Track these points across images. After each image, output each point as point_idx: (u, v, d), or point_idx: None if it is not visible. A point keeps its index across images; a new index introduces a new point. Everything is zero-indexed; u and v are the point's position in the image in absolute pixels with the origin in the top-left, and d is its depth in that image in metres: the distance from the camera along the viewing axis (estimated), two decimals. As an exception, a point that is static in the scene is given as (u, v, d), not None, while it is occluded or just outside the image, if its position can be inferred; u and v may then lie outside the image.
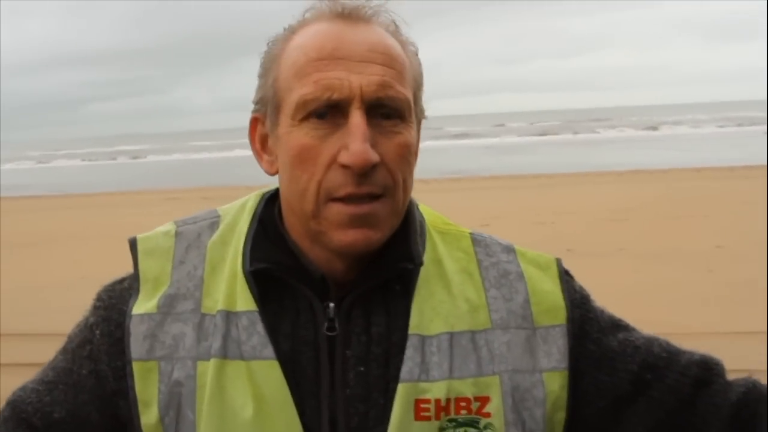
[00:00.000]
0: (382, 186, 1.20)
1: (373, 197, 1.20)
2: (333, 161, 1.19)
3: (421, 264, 1.29)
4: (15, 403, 1.32)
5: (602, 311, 1.41)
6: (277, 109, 1.24)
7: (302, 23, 1.28)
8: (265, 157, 1.31)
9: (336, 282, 1.27)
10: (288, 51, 1.25)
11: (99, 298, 1.35)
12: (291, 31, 1.28)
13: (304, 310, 1.26)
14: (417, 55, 1.31)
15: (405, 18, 1.30)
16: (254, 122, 1.32)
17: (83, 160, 59.47)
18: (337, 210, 1.20)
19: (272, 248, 1.29)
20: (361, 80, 1.19)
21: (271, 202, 1.36)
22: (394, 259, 1.27)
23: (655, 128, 58.30)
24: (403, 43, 1.28)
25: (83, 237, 15.36)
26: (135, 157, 58.32)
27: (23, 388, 1.34)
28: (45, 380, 1.33)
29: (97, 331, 1.31)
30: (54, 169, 48.91)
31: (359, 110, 1.18)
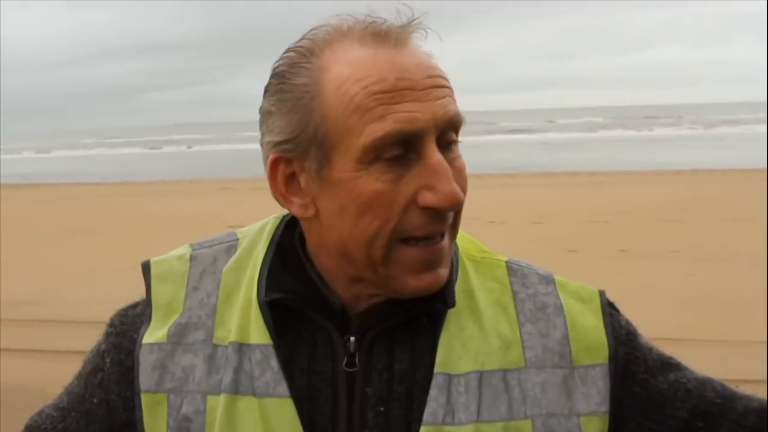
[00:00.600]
0: (451, 223, 1.14)
1: (441, 234, 1.13)
2: (410, 204, 1.09)
3: (453, 305, 1.19)
4: (31, 429, 1.30)
5: (650, 349, 1.28)
6: (330, 150, 1.10)
7: (327, 43, 1.14)
8: (295, 200, 1.16)
9: (358, 314, 1.19)
10: (333, 82, 1.10)
11: (111, 324, 1.29)
12: (314, 54, 1.14)
13: (322, 343, 1.18)
14: None
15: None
16: (275, 163, 1.16)
17: (141, 148, 60.25)
18: (410, 255, 1.11)
19: (290, 276, 1.20)
20: (431, 109, 1.08)
21: (291, 225, 1.26)
22: (426, 297, 1.16)
23: (713, 127, 57.37)
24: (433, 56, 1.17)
25: (137, 225, 15.55)
26: (190, 147, 58.94)
27: (40, 413, 1.31)
28: (60, 406, 1.29)
29: (108, 359, 1.25)
30: (110, 157, 49.60)
31: (433, 144, 1.09)
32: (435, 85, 1.11)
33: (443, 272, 1.15)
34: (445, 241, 1.14)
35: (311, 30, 1.16)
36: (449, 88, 1.13)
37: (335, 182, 1.11)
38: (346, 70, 1.10)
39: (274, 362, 1.15)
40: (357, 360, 1.16)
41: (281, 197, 1.18)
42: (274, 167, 1.17)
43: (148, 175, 29.82)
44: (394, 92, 1.08)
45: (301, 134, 1.12)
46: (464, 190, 1.12)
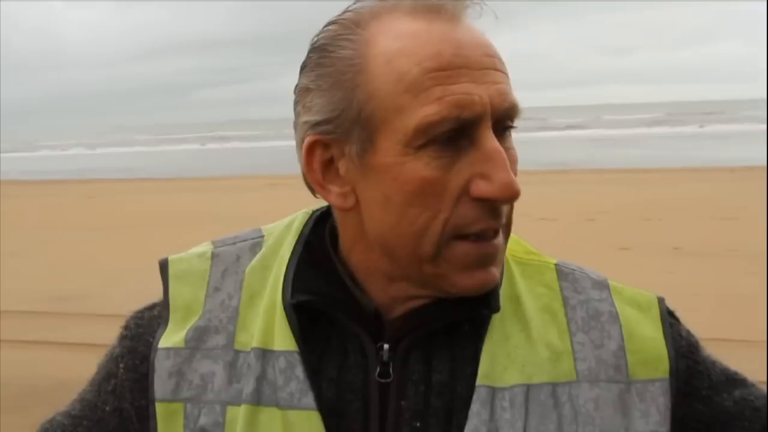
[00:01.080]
0: (507, 215, 1.03)
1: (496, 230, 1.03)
2: (462, 194, 0.98)
3: (498, 310, 1.07)
4: None
5: (714, 362, 1.16)
6: (375, 131, 0.99)
7: (374, 15, 1.03)
8: (333, 188, 1.06)
9: (393, 319, 1.08)
10: (381, 56, 1.00)
11: (126, 326, 1.19)
12: (360, 25, 1.03)
13: (353, 351, 1.07)
14: None
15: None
16: (312, 146, 1.05)
17: (192, 144, 60.90)
18: (465, 250, 1.00)
19: (319, 277, 1.09)
20: (489, 92, 0.98)
21: (321, 221, 1.16)
22: (468, 300, 1.05)
23: (770, 123, 56.33)
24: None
25: (187, 221, 15.66)
26: (241, 143, 59.39)
27: (51, 421, 1.20)
28: (72, 413, 1.19)
29: (122, 365, 1.15)
30: (162, 153, 50.17)
31: (490, 129, 0.98)
32: (493, 66, 1.00)
33: (496, 272, 1.04)
34: (500, 238, 1.03)
35: (355, 2, 1.05)
36: (505, 73, 1.02)
37: (379, 168, 1.00)
38: (396, 43, 0.99)
39: (299, 371, 1.05)
40: (391, 370, 1.06)
41: (317, 185, 1.07)
42: (310, 151, 1.06)
43: (198, 172, 30.09)
44: (451, 70, 0.97)
45: (342, 113, 1.01)
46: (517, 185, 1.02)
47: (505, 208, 1.02)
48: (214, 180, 25.84)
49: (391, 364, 1.06)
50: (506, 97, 1.00)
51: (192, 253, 1.20)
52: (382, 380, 1.06)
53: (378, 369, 1.06)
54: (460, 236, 1.00)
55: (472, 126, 0.98)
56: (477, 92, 0.97)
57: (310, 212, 1.19)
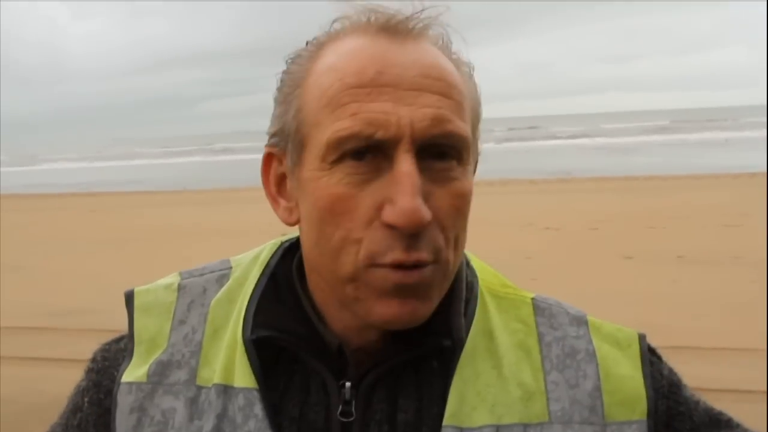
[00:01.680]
0: (432, 250, 0.95)
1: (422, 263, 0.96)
2: (374, 217, 0.94)
3: (460, 341, 1.03)
4: None
5: (697, 402, 1.11)
6: (301, 146, 0.99)
7: (333, 36, 1.01)
8: (282, 202, 1.06)
9: (357, 355, 1.04)
10: (316, 74, 0.99)
11: (93, 359, 1.16)
12: (318, 47, 1.02)
13: (315, 388, 1.03)
14: (473, 77, 1.05)
15: (457, 26, 1.03)
16: (268, 159, 1.06)
17: (197, 156, 61.01)
18: (383, 276, 0.94)
19: (281, 311, 1.06)
20: (411, 114, 0.93)
21: (289, 253, 1.13)
22: (428, 331, 1.01)
23: (774, 129, 56.25)
24: (457, 64, 1.02)
25: (194, 234, 15.67)
26: (245, 155, 59.47)
27: None
28: None
29: (86, 399, 1.13)
30: (168, 166, 50.23)
31: (408, 153, 0.93)
32: (428, 88, 0.95)
33: (421, 306, 0.97)
34: (428, 271, 0.96)
35: (335, 20, 1.03)
36: (453, 100, 0.97)
37: (304, 183, 0.99)
38: (331, 59, 0.98)
39: (258, 409, 1.01)
40: (353, 409, 1.02)
41: (271, 198, 1.07)
42: (266, 164, 1.07)
43: (203, 184, 30.10)
44: (371, 88, 0.94)
45: (283, 127, 1.02)
46: (453, 217, 0.97)
47: (429, 238, 0.95)
48: (219, 192, 25.85)
49: (353, 402, 1.02)
50: (438, 123, 0.94)
51: (159, 285, 1.17)
52: (345, 420, 1.02)
53: (340, 408, 1.02)
54: (377, 264, 0.95)
55: (390, 147, 0.93)
56: (396, 112, 0.93)
57: (279, 243, 1.16)
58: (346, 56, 0.97)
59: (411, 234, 0.92)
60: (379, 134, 0.93)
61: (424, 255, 0.94)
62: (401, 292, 0.95)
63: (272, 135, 1.04)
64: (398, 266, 0.94)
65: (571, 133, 63.17)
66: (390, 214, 0.92)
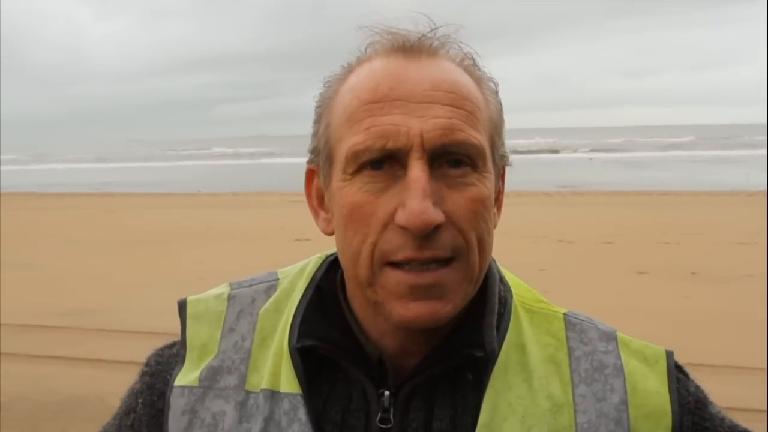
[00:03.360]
0: (450, 248, 1.00)
1: (440, 262, 1.01)
2: (390, 220, 1.00)
3: (492, 352, 1.08)
4: None
5: (723, 419, 1.15)
6: (330, 161, 1.07)
7: (360, 60, 1.09)
8: (322, 214, 1.13)
9: (397, 365, 1.09)
10: (341, 94, 1.07)
11: (147, 363, 1.23)
12: (348, 70, 1.09)
13: (357, 396, 1.09)
14: (497, 93, 1.11)
15: (472, 42, 1.10)
16: (310, 175, 1.15)
17: (212, 159, 61.23)
18: (396, 279, 1.01)
19: (325, 322, 1.12)
20: (421, 125, 0.99)
21: (333, 266, 1.18)
22: (462, 342, 1.07)
23: (791, 148, 55.97)
24: (479, 80, 1.09)
25: (207, 236, 15.72)
26: (260, 159, 59.64)
27: None
28: None
29: (140, 400, 1.19)
30: (183, 168, 50.43)
31: (419, 161, 0.99)
32: (439, 100, 1.02)
33: (441, 306, 1.02)
34: (446, 272, 1.01)
35: (368, 45, 1.11)
36: (465, 110, 1.03)
37: (333, 194, 1.07)
38: (354, 80, 1.07)
39: (302, 413, 1.07)
40: (392, 416, 1.07)
41: (312, 210, 1.15)
42: (308, 179, 1.16)
43: (218, 187, 30.23)
44: (384, 102, 1.01)
45: (318, 144, 1.11)
46: (470, 219, 1.02)
47: (445, 239, 1.00)
48: (233, 195, 25.94)
49: (392, 410, 1.07)
50: (448, 132, 1.00)
51: (210, 294, 1.23)
52: (383, 426, 1.07)
53: (379, 415, 1.07)
54: (392, 263, 1.01)
55: (404, 156, 1.00)
56: (406, 124, 1.00)
57: (324, 257, 1.22)
58: (365, 76, 1.05)
59: (423, 235, 0.98)
60: (390, 145, 1.00)
61: (439, 252, 1.00)
62: (417, 293, 1.01)
63: (311, 152, 1.13)
64: (412, 266, 1.00)
65: (586, 146, 63.10)
66: (401, 216, 0.99)
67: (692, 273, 11.17)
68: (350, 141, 1.02)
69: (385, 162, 1.00)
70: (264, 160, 57.63)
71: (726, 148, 57.28)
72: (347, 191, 1.03)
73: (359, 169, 1.01)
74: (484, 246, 1.04)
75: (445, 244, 1.00)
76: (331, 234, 1.11)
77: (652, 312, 8.92)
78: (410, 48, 1.06)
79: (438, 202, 0.99)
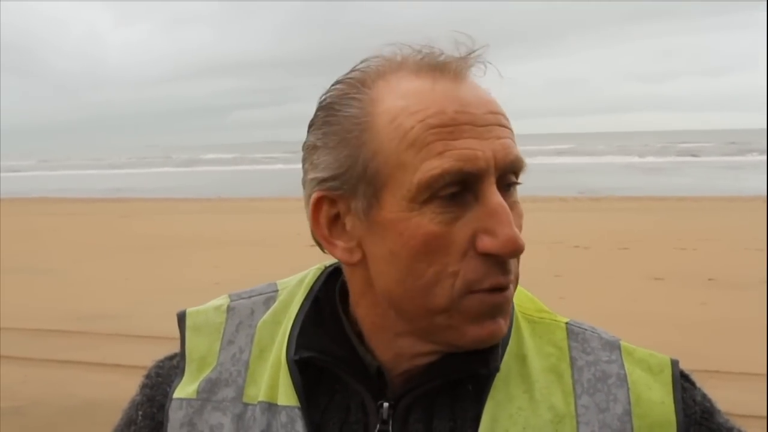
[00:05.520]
0: (514, 270, 1.03)
1: None
2: (469, 248, 0.98)
3: (497, 370, 1.06)
4: None
5: (731, 429, 1.12)
6: (380, 188, 1.00)
7: (380, 75, 1.05)
8: (339, 243, 1.06)
9: (396, 375, 1.08)
10: (386, 114, 1.01)
11: (148, 375, 1.22)
12: (367, 85, 1.05)
13: (355, 408, 1.08)
14: None
15: (493, 44, 1.07)
16: (319, 202, 1.07)
17: (228, 165, 61.40)
18: (480, 300, 0.99)
19: (323, 333, 1.10)
20: (492, 147, 0.99)
21: (332, 277, 1.17)
22: (467, 358, 1.05)
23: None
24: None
25: (222, 242, 15.76)
26: (276, 164, 59.75)
27: None
28: None
29: (140, 412, 1.19)
30: (199, 174, 50.59)
31: (494, 185, 0.99)
32: (497, 123, 1.01)
33: (503, 323, 1.03)
34: (511, 290, 1.03)
35: (361, 62, 1.07)
36: (510, 129, 1.04)
37: (385, 224, 1.01)
38: (401, 102, 1.01)
39: (299, 426, 1.06)
40: (390, 428, 1.05)
41: (324, 240, 1.08)
42: (317, 207, 1.07)
43: (234, 193, 30.29)
44: (453, 126, 0.98)
45: (349, 170, 1.03)
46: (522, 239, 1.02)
47: (512, 262, 1.01)
48: (249, 201, 25.99)
49: (390, 422, 1.05)
50: (510, 151, 1.00)
51: (209, 306, 1.22)
52: None
53: (378, 427, 1.06)
54: (474, 291, 1.00)
55: (476, 181, 0.98)
56: (480, 147, 0.98)
57: (322, 268, 1.20)
58: (419, 97, 1.01)
59: (505, 260, 0.99)
60: (468, 168, 0.97)
61: (512, 277, 1.02)
62: (496, 312, 1.01)
63: (328, 179, 1.05)
64: (494, 289, 1.00)
65: (603, 151, 62.90)
66: (491, 245, 0.97)
67: (709, 279, 11.11)
68: (423, 168, 0.97)
69: (455, 190, 0.98)
70: (280, 166, 57.74)
71: (744, 153, 56.98)
72: (417, 221, 0.98)
73: (430, 198, 0.97)
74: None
75: (515, 265, 1.02)
76: (354, 264, 1.07)
77: (668, 318, 8.89)
78: (446, 67, 1.03)
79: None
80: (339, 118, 1.04)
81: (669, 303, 9.82)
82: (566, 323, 1.15)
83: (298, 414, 1.06)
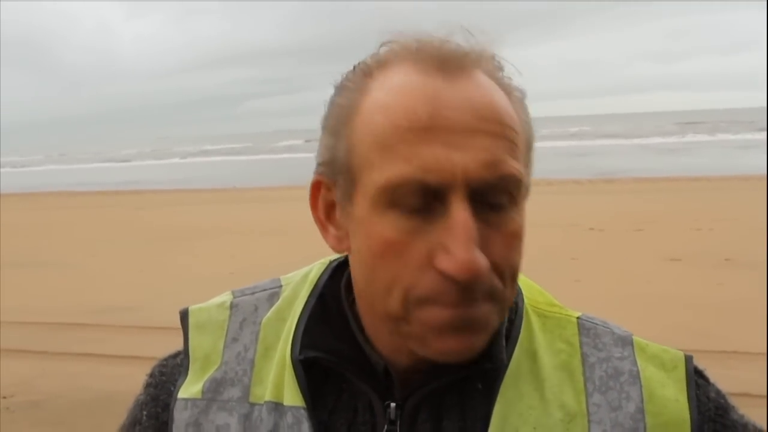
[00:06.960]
0: (488, 294, 0.92)
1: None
2: (426, 263, 0.91)
3: (501, 362, 1.02)
4: None
5: (745, 425, 1.08)
6: (353, 183, 0.96)
7: (382, 64, 0.98)
8: (332, 230, 1.03)
9: (403, 376, 1.04)
10: (367, 108, 0.95)
11: (152, 374, 1.19)
12: (367, 74, 0.98)
13: (362, 408, 1.04)
14: (524, 103, 1.00)
15: (503, 33, 0.99)
16: (317, 186, 1.03)
17: (241, 155, 61.50)
18: (436, 314, 0.92)
19: (328, 332, 1.06)
20: (464, 159, 0.89)
21: (338, 272, 1.13)
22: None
23: (825, 130, 55.21)
24: (509, 90, 0.98)
25: (236, 232, 15.78)
26: (289, 153, 59.78)
27: None
28: None
29: (145, 412, 1.16)
30: (212, 164, 50.66)
31: (462, 200, 0.89)
32: (484, 130, 0.91)
33: (477, 339, 0.95)
34: (486, 307, 0.94)
35: (381, 44, 1.00)
36: (507, 140, 0.93)
37: (357, 221, 0.97)
38: (384, 97, 0.94)
39: (305, 427, 1.03)
40: (398, 428, 1.02)
41: (320, 224, 1.05)
42: (315, 190, 1.05)
43: (248, 182, 30.33)
44: (423, 131, 0.90)
45: (333, 159, 0.99)
46: (509, 258, 0.95)
47: (485, 282, 0.92)
48: (263, 190, 26.01)
49: (398, 422, 1.03)
50: (491, 166, 0.91)
51: (212, 303, 1.19)
52: None
53: (385, 427, 1.03)
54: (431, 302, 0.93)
55: (444, 193, 0.90)
56: (448, 157, 0.89)
57: (327, 262, 1.17)
58: (397, 94, 0.94)
59: (466, 285, 0.90)
60: (431, 180, 0.89)
61: (480, 298, 0.92)
62: (457, 328, 0.93)
63: (321, 164, 1.02)
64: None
65: (616, 133, 62.65)
66: (445, 263, 0.89)
67: (726, 259, 11.04)
68: (384, 172, 0.91)
69: (420, 198, 0.90)
70: (292, 155, 57.76)
71: (758, 131, 56.57)
72: (377, 226, 0.93)
73: (392, 205, 0.91)
74: (515, 278, 0.98)
75: (485, 288, 0.92)
76: (342, 252, 1.04)
77: (685, 299, 8.83)
78: (446, 63, 0.94)
79: (482, 245, 0.90)
80: (334, 105, 1.01)
81: (686, 284, 9.77)
82: (577, 318, 1.11)
83: (303, 415, 1.04)
